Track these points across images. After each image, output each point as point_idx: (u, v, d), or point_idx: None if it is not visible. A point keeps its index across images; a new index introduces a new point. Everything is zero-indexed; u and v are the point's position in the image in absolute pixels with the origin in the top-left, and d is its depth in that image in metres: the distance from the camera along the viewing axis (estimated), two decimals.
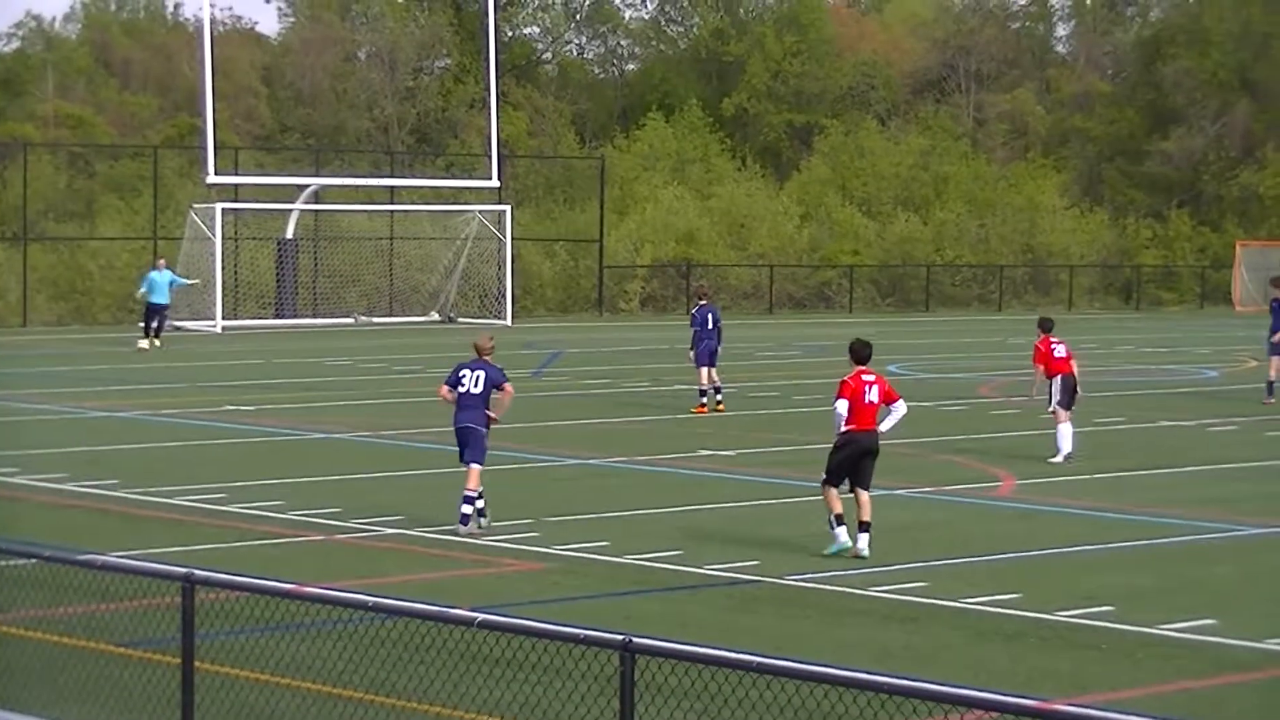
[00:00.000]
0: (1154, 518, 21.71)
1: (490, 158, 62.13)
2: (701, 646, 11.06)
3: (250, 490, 22.70)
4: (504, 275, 61.29)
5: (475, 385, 20.05)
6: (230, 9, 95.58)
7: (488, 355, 20.37)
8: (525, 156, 78.13)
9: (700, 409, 32.37)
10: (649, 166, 76.95)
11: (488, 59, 62.70)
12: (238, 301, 59.24)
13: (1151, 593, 17.48)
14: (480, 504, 19.96)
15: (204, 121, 56.94)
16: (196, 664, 10.72)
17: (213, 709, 11.92)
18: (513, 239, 62.00)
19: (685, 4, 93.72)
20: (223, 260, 55.63)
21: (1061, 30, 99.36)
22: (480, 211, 62.81)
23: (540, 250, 67.78)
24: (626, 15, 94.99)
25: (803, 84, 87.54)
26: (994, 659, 14.74)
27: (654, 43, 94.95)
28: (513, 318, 60.21)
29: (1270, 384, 35.13)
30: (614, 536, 19.71)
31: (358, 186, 64.80)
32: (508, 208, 62.65)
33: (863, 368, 19.10)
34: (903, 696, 8.25)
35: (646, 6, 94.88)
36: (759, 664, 8.57)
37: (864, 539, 18.72)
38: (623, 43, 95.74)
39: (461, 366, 20.30)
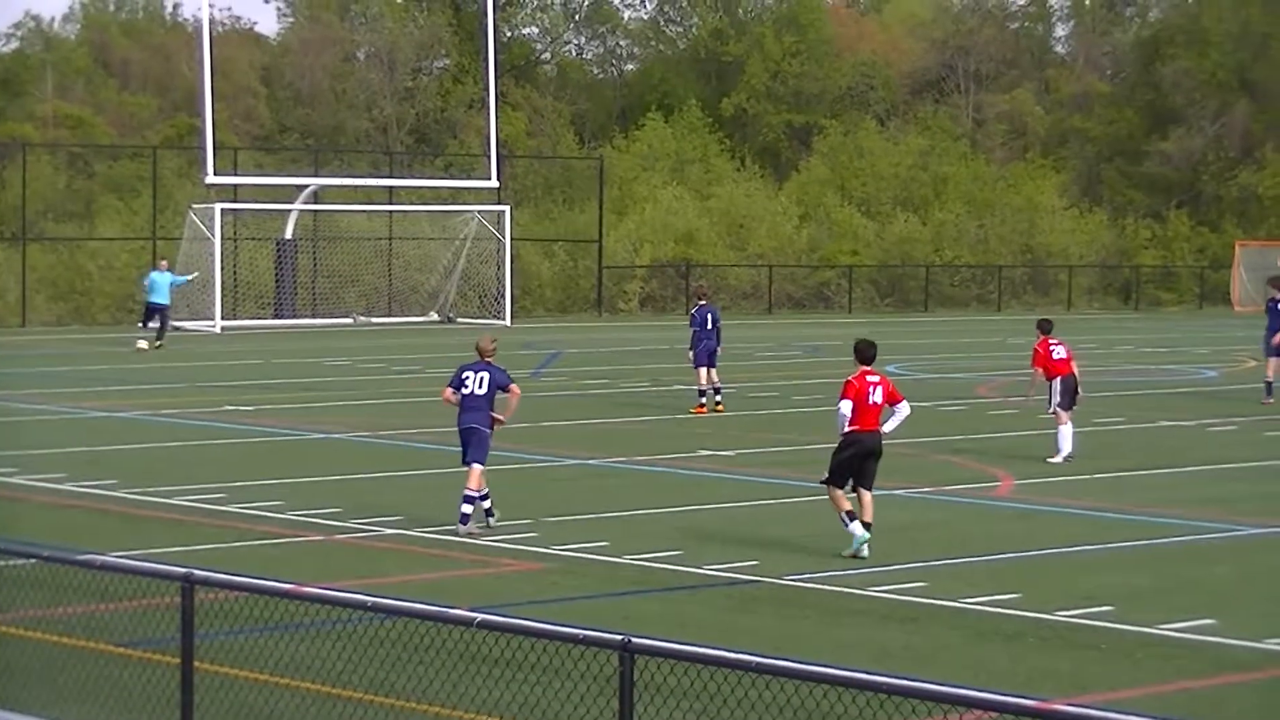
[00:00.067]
0: (1153, 518, 21.70)
1: (489, 158, 62.12)
2: (701, 647, 11.06)
3: (250, 490, 22.69)
4: (503, 275, 61.28)
5: (479, 387, 20.05)
6: (229, 9, 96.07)
7: (490, 356, 20.36)
8: (524, 157, 78.11)
9: (699, 409, 32.37)
10: (648, 167, 76.93)
11: (487, 59, 62.73)
12: (237, 302, 59.24)
13: (1151, 593, 17.47)
14: (487, 504, 19.98)
15: (203, 122, 56.96)
16: (196, 664, 10.72)
17: (212, 709, 11.92)
18: (512, 239, 61.99)
19: (684, 4, 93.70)
20: (222, 260, 55.64)
21: (1060, 30, 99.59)
22: (479, 212, 62.82)
23: (539, 250, 67.77)
24: (625, 15, 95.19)
25: (802, 84, 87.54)
26: (993, 659, 14.73)
27: (653, 43, 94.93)
28: (512, 318, 60.21)
29: (1269, 384, 35.15)
30: (613, 537, 19.70)
31: (357, 187, 64.80)
32: (507, 208, 62.65)
33: (867, 368, 19.07)
34: (902, 696, 8.24)
35: (645, 7, 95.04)
36: (758, 664, 8.57)
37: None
38: (622, 43, 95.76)
39: (464, 368, 20.29)
